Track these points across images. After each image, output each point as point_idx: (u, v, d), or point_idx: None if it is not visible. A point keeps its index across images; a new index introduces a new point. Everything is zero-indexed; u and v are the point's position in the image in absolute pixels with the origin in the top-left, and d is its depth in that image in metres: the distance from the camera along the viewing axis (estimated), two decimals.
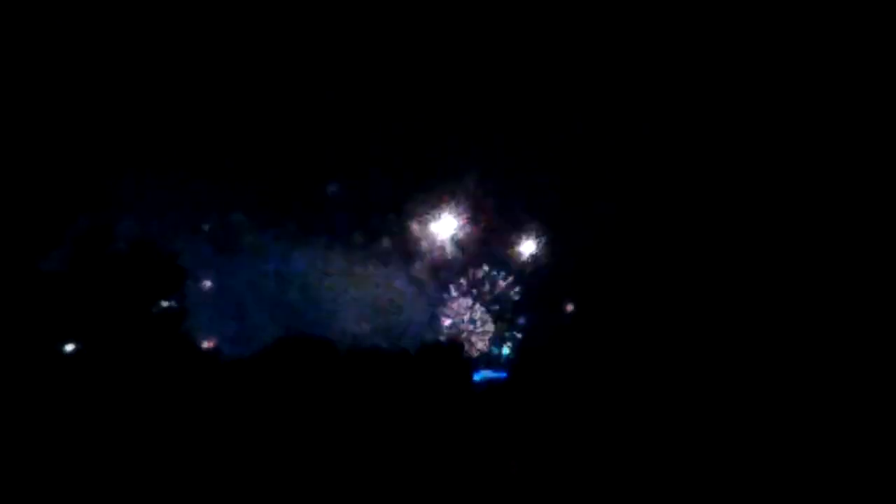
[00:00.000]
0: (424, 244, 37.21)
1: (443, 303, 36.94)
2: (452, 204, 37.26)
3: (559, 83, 37.48)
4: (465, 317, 37.27)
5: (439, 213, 37.17)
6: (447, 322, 37.43)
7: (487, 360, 36.73)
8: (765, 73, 35.23)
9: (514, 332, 37.55)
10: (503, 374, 35.33)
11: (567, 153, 37.61)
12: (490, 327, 37.21)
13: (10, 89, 32.42)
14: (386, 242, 36.51)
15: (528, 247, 37.75)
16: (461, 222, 37.29)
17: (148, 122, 34.77)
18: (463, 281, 37.33)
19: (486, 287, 37.56)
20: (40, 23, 32.15)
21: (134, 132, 34.54)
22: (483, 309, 37.03)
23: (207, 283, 34.13)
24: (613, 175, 37.24)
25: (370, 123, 36.77)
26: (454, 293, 37.15)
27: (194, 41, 33.93)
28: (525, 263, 38.11)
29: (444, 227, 36.79)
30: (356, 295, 35.08)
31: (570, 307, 37.23)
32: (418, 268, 37.32)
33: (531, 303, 38.27)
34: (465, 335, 37.01)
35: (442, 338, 36.52)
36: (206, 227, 35.34)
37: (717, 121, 35.92)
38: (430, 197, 37.09)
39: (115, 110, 34.26)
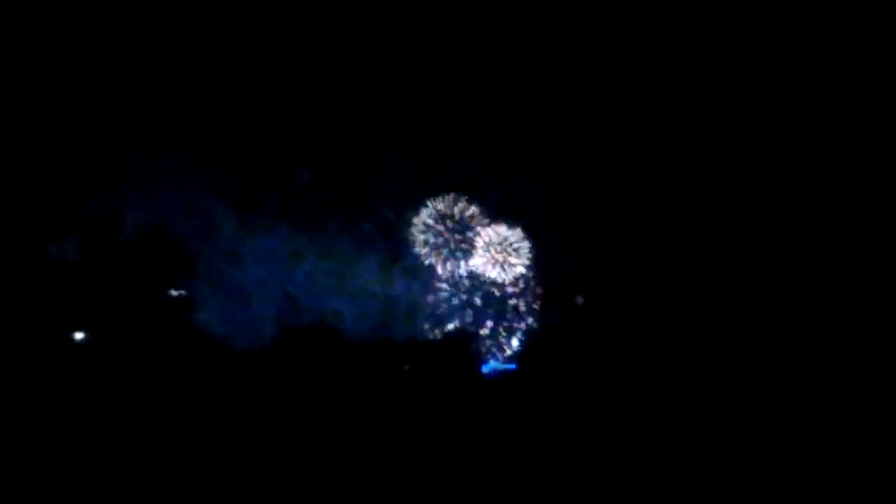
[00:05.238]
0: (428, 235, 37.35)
1: (448, 295, 36.81)
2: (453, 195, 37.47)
3: (561, 80, 37.31)
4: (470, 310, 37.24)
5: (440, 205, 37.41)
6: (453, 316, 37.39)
7: (497, 351, 36.58)
8: (765, 74, 35.12)
9: (524, 324, 37.39)
10: (512, 366, 35.18)
11: (576, 145, 37.46)
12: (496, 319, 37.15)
13: (21, 83, 32.64)
14: (386, 233, 36.52)
15: (536, 240, 37.65)
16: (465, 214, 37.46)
17: (160, 114, 34.84)
18: (470, 272, 37.17)
19: (496, 280, 37.43)
20: (48, 18, 32.46)
21: (146, 123, 34.62)
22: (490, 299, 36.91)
23: (217, 273, 34.08)
24: (626, 166, 37.06)
25: (362, 115, 36.79)
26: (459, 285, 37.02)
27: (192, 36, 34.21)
28: (534, 255, 37.99)
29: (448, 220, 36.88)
30: (359, 286, 35.06)
31: (579, 299, 37.12)
32: (420, 260, 37.26)
33: (541, 294, 38.11)
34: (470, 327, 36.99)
35: (450, 330, 36.42)
36: (219, 217, 35.28)
37: (718, 121, 35.78)
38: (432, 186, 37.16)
39: (127, 101, 34.36)
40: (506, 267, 37.16)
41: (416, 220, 37.17)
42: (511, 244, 37.65)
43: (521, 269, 37.03)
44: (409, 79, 36.66)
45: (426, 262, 36.95)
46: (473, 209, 37.83)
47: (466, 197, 38.48)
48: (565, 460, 25.84)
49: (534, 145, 37.94)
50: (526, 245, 37.72)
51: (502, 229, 37.84)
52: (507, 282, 37.19)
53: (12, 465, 23.31)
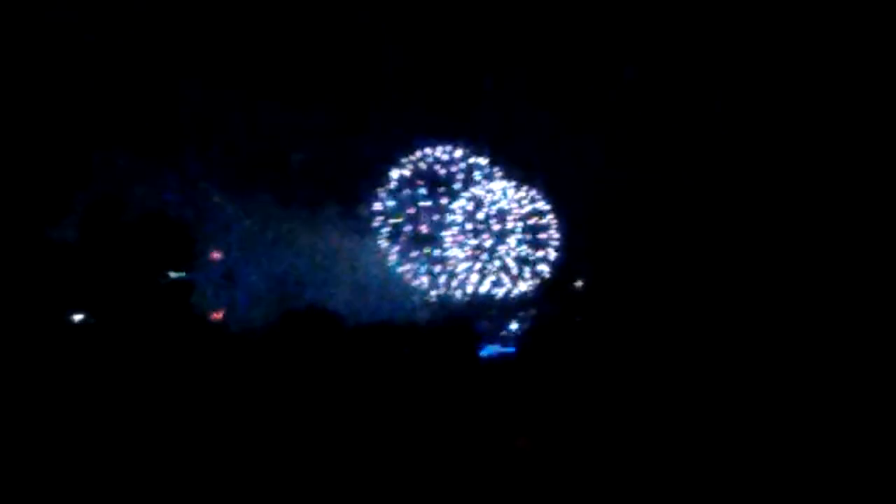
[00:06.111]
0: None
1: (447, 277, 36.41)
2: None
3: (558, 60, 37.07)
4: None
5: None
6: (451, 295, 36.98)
7: (496, 334, 36.50)
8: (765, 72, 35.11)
9: (524, 307, 37.28)
10: (511, 350, 35.15)
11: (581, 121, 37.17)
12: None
13: (21, 64, 32.67)
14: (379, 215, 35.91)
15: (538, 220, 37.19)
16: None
17: (156, 98, 34.85)
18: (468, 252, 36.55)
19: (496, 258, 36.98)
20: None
21: (145, 103, 34.62)
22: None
23: (217, 255, 34.15)
24: (632, 150, 36.93)
25: (359, 99, 36.51)
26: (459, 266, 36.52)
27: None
28: (535, 236, 37.66)
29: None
30: (356, 269, 34.87)
31: (579, 282, 37.02)
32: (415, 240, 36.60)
33: (542, 277, 38.00)
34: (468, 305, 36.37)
35: (448, 312, 36.23)
36: (216, 199, 35.31)
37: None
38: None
39: (127, 81, 34.35)
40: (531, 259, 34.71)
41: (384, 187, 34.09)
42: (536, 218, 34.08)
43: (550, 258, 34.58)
44: (408, 65, 36.50)
45: (396, 239, 35.27)
46: (483, 163, 33.94)
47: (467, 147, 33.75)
48: (564, 446, 25.91)
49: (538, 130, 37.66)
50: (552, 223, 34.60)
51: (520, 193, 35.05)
52: (529, 279, 34.88)
53: (12, 444, 23.45)
